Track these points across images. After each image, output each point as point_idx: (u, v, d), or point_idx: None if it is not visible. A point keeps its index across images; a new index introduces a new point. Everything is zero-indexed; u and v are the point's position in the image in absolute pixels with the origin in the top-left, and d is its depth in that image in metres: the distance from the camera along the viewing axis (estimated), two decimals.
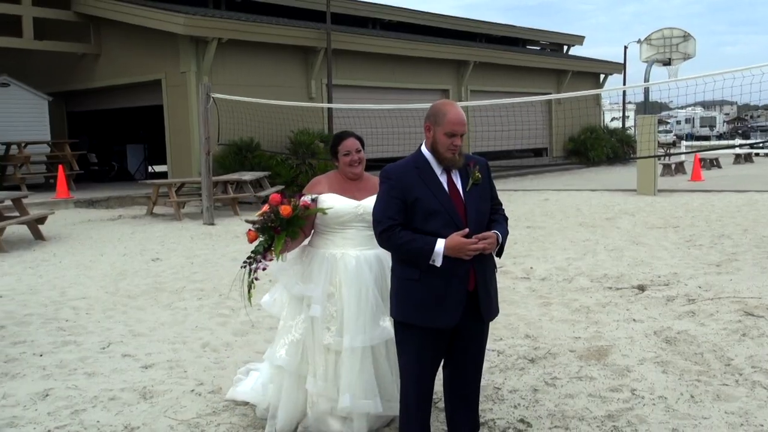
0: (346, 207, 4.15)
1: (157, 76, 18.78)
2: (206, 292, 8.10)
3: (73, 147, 20.94)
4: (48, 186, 19.29)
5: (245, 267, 4.14)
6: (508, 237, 3.71)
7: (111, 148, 24.73)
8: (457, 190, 3.54)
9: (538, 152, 30.09)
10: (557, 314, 6.73)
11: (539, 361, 5.43)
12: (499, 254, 3.64)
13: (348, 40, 20.97)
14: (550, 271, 8.62)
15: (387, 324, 4.05)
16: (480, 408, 4.01)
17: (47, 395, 5.01)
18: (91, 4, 19.25)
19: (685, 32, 17.37)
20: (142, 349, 6.04)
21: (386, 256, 4.14)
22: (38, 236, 12.20)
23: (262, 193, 16.46)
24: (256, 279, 4.16)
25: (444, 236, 3.44)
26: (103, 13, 19.17)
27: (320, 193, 4.21)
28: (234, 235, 12.48)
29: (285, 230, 4.03)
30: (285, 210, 4.00)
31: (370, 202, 4.11)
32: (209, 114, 13.94)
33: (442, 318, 3.52)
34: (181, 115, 18.40)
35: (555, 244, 10.51)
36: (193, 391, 5.03)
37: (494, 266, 3.69)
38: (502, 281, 8.13)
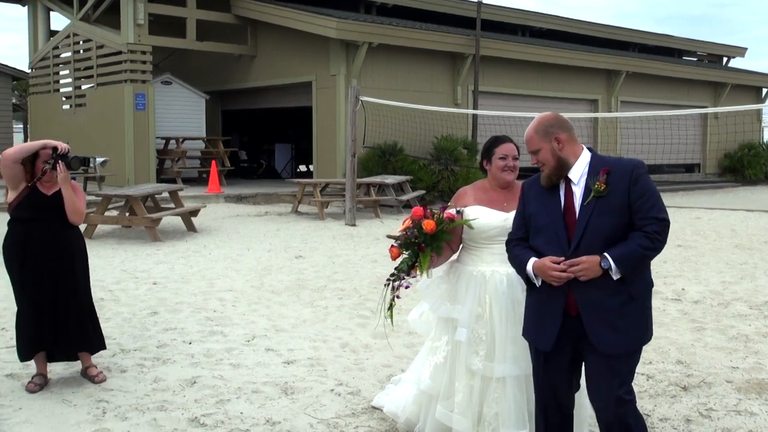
0: (493, 220, 3.91)
1: (308, 78, 19.29)
2: (347, 293, 8.18)
3: (226, 144, 21.86)
4: (200, 180, 20.23)
5: (388, 285, 3.98)
6: (656, 256, 3.29)
7: (260, 146, 25.65)
8: (574, 205, 3.33)
9: (689, 168, 28.70)
10: (711, 341, 6.33)
11: (692, 389, 5.11)
12: (624, 278, 3.23)
13: (496, 46, 20.77)
14: (703, 294, 8.15)
15: None
16: None
17: (195, 383, 5.19)
18: (249, 8, 20.03)
19: None
20: (285, 344, 6.15)
21: None
22: (191, 228, 12.77)
23: (404, 197, 16.55)
24: (398, 297, 3.98)
25: (546, 254, 3.33)
26: (260, 16, 19.90)
27: (465, 206, 3.98)
28: (374, 237, 12.59)
29: (429, 246, 3.83)
30: (428, 225, 3.79)
31: None
32: (356, 117, 14.16)
33: (540, 339, 3.41)
34: (328, 117, 18.82)
35: (708, 265, 9.94)
36: (332, 390, 5.06)
37: (625, 291, 3.24)
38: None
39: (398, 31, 18.76)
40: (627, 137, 24.41)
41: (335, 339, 6.35)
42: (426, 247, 3.83)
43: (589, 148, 3.43)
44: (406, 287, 3.93)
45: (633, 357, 3.35)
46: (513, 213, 3.91)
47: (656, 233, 3.23)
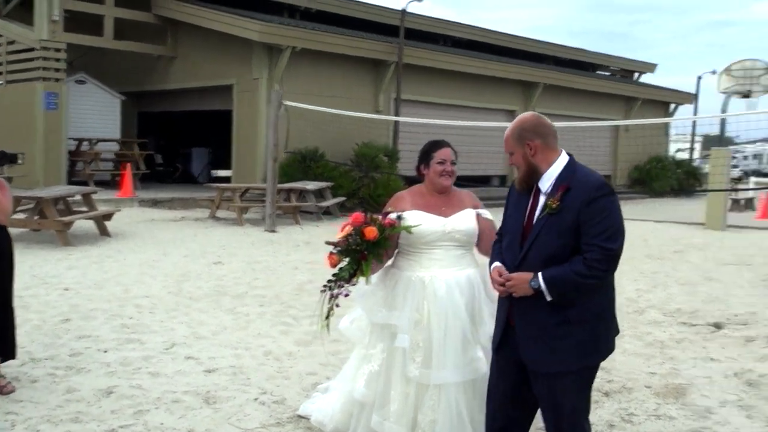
0: (433, 225, 3.87)
1: (229, 81, 19.00)
2: (268, 299, 8.04)
3: (141, 147, 21.30)
4: (114, 183, 19.63)
5: (325, 292, 3.89)
6: (597, 284, 3.13)
7: (177, 150, 25.10)
8: (534, 215, 3.24)
9: None
10: (630, 347, 6.47)
11: (614, 395, 5.20)
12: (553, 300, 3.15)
13: (419, 55, 20.92)
14: (619, 302, 8.29)
15: (480, 355, 3.76)
16: None
17: (111, 393, 4.98)
18: (170, 7, 19.60)
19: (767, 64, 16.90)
20: (205, 352, 5.98)
21: (476, 277, 3.95)
22: (104, 232, 12.35)
23: (324, 204, 16.46)
24: (337, 306, 3.90)
25: (505, 259, 3.31)
26: (181, 17, 19.50)
27: (403, 210, 3.92)
28: (295, 244, 12.46)
29: (371, 253, 3.75)
30: (370, 232, 3.70)
31: (458, 219, 3.92)
32: (279, 121, 13.99)
33: (493, 338, 3.45)
34: (248, 121, 18.57)
35: (623, 274, 10.20)
36: (256, 399, 4.94)
37: (562, 313, 3.15)
38: None
39: (322, 37, 18.69)
40: None
41: (258, 347, 6.21)
42: (368, 254, 3.75)
43: (570, 156, 3.29)
44: (346, 295, 3.86)
45: (568, 378, 3.21)
46: (453, 218, 3.90)
47: (595, 261, 3.07)
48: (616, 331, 3.36)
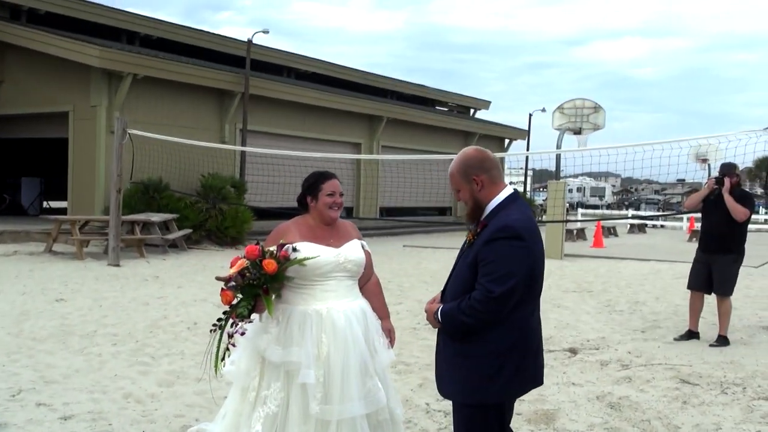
0: (327, 256, 3.76)
1: (64, 108, 17.99)
2: (121, 338, 7.58)
3: None
4: None
5: (216, 330, 3.62)
6: (476, 325, 3.07)
7: (4, 180, 23.46)
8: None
9: (442, 211, 30.52)
10: None
11: None
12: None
13: (265, 86, 20.79)
14: None
15: (380, 386, 3.68)
16: None
17: None
18: None
19: (596, 104, 18.09)
20: (58, 397, 5.51)
21: (367, 308, 3.88)
22: None
23: (170, 236, 15.88)
24: (233, 345, 3.64)
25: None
26: (10, 39, 18.32)
27: (293, 242, 3.75)
28: (142, 278, 11.89)
29: (271, 288, 3.57)
30: (270, 265, 3.51)
31: (349, 249, 3.84)
32: (123, 150, 13.38)
33: None
34: (86, 150, 17.64)
35: None
36: None
37: (458, 344, 3.14)
38: (431, 338, 7.97)
39: (165, 64, 18.15)
40: (386, 179, 25.45)
41: (116, 389, 5.80)
42: (269, 290, 3.56)
43: (513, 191, 3.26)
44: (242, 333, 3.60)
45: (458, 411, 3.21)
46: (344, 248, 3.81)
47: (476, 301, 3.02)
48: (530, 375, 3.23)
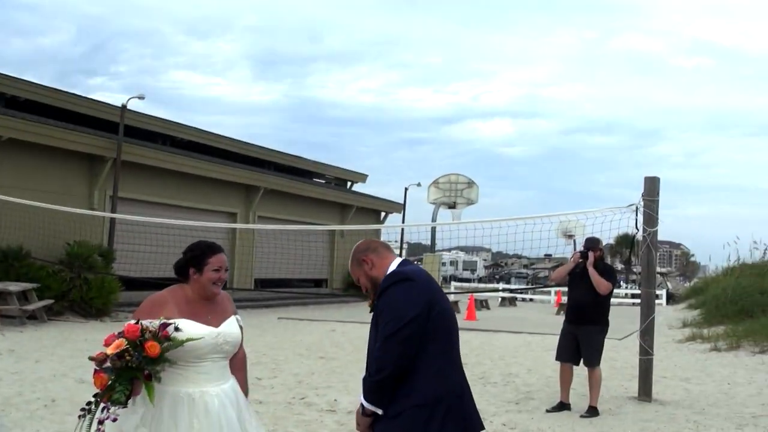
0: (208, 337, 3.53)
1: None
2: None
3: None
4: None
5: (84, 416, 3.29)
6: (385, 380, 3.13)
7: None
8: None
9: (318, 282, 30.39)
10: None
11: None
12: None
13: (138, 152, 20.29)
14: (354, 404, 8.39)
15: None
16: None
17: None
18: None
19: (470, 179, 18.72)
20: None
21: (237, 386, 3.71)
22: None
23: (29, 307, 14.99)
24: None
25: None
26: None
27: (170, 318, 3.48)
28: None
29: (152, 373, 3.30)
30: (153, 349, 3.25)
31: (227, 327, 3.65)
32: None
33: None
34: None
35: (354, 376, 10.35)
36: None
37: (388, 411, 3.17)
38: (307, 414, 7.79)
39: (32, 127, 17.45)
40: (262, 250, 25.16)
41: None
42: (151, 375, 3.29)
43: (403, 260, 3.41)
44: (114, 420, 3.27)
45: None
46: (223, 327, 3.63)
47: (378, 350, 3.11)
48: (461, 419, 3.21)
